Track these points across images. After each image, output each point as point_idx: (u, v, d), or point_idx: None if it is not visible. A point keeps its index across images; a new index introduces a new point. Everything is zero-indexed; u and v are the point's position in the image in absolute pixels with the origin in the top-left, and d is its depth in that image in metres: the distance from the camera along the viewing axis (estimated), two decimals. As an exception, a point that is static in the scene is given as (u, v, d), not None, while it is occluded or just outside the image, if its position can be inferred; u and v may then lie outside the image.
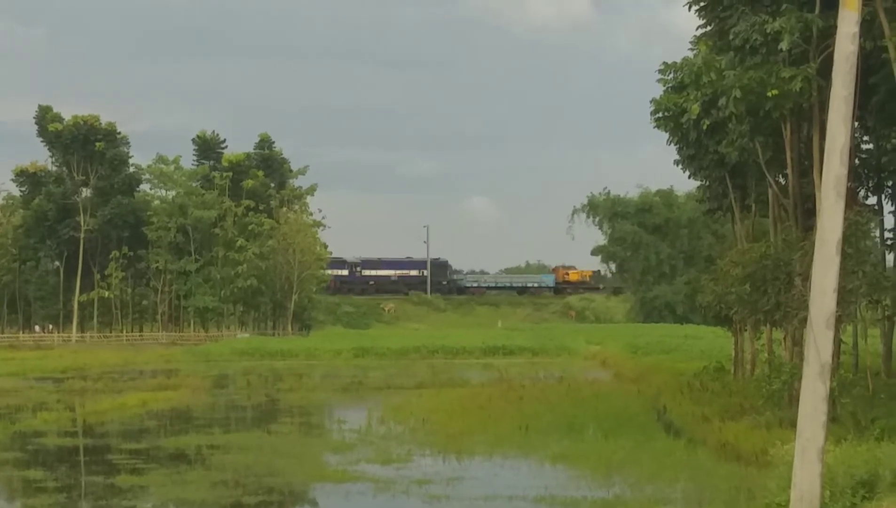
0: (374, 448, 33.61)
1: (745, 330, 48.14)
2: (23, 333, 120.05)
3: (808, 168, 35.29)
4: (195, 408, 48.98)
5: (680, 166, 47.87)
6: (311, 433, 40.04)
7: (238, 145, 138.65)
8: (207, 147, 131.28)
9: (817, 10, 29.81)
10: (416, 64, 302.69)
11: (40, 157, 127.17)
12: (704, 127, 38.05)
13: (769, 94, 30.31)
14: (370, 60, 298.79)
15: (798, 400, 14.91)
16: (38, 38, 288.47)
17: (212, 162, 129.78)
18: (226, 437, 37.57)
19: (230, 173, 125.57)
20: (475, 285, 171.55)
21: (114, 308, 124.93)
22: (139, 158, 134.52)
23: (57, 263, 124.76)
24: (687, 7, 34.58)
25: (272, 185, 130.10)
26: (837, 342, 31.10)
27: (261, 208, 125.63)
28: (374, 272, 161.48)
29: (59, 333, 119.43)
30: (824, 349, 14.26)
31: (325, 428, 42.54)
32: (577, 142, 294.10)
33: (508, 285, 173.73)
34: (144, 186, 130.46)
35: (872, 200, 41.13)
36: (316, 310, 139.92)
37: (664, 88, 42.54)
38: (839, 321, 27.64)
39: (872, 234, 38.93)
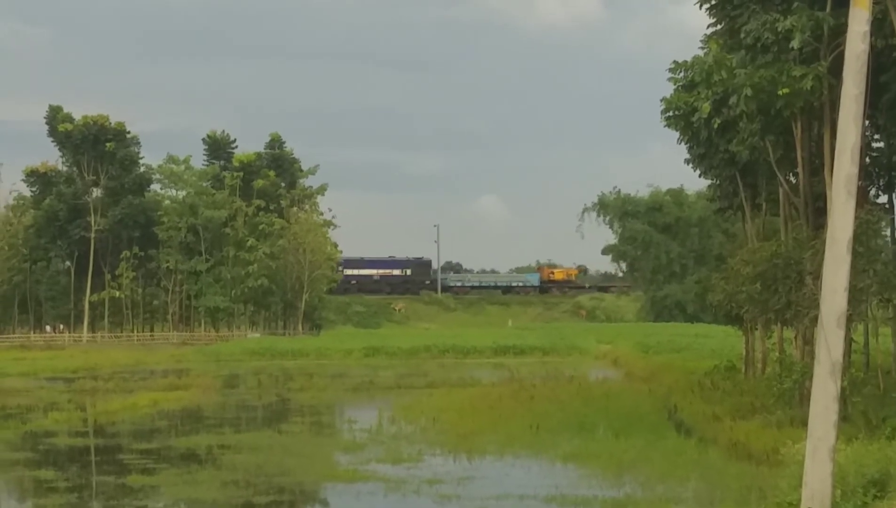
0: (384, 447, 33.60)
1: (756, 329, 48.06)
2: (34, 333, 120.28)
3: (818, 167, 35.21)
4: (206, 408, 49.03)
5: (690, 165, 47.81)
6: (321, 433, 40.06)
7: (247, 145, 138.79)
8: (217, 147, 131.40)
9: (828, 9, 29.77)
10: (423, 64, 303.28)
11: (51, 157, 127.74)
12: (715, 126, 37.95)
13: (780, 92, 30.26)
14: (377, 61, 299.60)
15: (809, 399, 14.88)
16: (45, 39, 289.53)
17: (222, 162, 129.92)
18: (237, 437, 37.60)
19: (241, 173, 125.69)
20: (458, 284, 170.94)
21: (124, 308, 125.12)
22: (149, 158, 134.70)
23: (68, 263, 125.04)
24: (698, 5, 34.53)
25: (283, 184, 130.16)
26: (848, 340, 31.04)
27: (271, 207, 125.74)
28: (355, 272, 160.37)
29: (69, 333, 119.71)
30: (835, 347, 14.23)
31: (335, 428, 42.56)
32: (584, 141, 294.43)
33: (493, 284, 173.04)
34: (155, 186, 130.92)
35: (883, 198, 41.00)
36: (326, 310, 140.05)
37: (675, 87, 42.45)
38: (850, 319, 27.59)
39: (883, 232, 38.77)
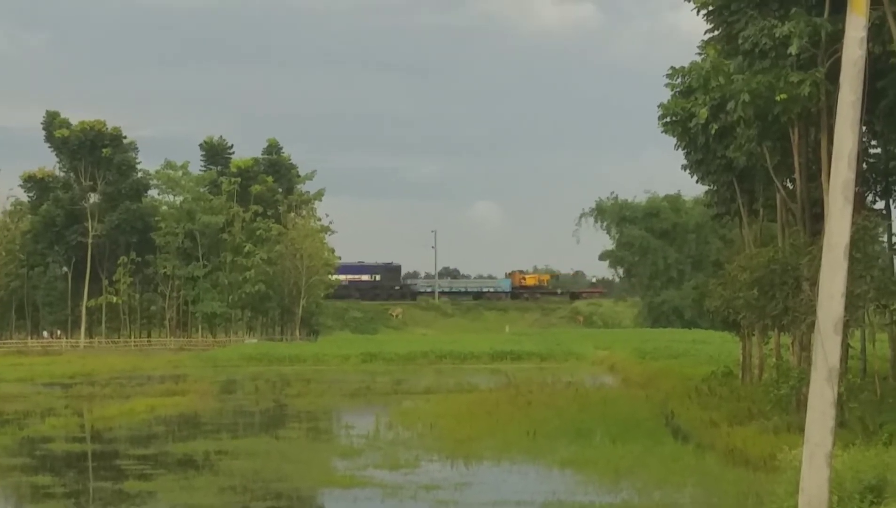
0: (382, 453, 33.59)
1: (753, 335, 48.02)
2: (31, 338, 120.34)
3: (815, 173, 35.23)
4: (203, 414, 49.00)
5: (688, 171, 47.79)
6: (319, 439, 40.03)
7: (244, 151, 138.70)
8: (215, 152, 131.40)
9: (826, 15, 29.79)
10: (420, 69, 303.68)
11: (48, 162, 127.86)
12: (712, 131, 37.95)
13: (777, 98, 30.29)
14: (374, 66, 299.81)
15: (806, 405, 14.87)
16: (42, 44, 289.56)
17: (219, 167, 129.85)
18: (234, 442, 37.59)
19: (238, 179, 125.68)
20: (429, 289, 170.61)
21: (122, 314, 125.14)
22: (147, 163, 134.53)
23: (65, 268, 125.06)
24: (695, 11, 34.55)
25: (280, 190, 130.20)
26: (845, 346, 31.07)
27: (269, 213, 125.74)
28: None
29: (67, 338, 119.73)
30: (832, 353, 14.22)
31: (333, 434, 42.54)
32: (582, 146, 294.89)
33: (463, 290, 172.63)
34: (152, 192, 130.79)
35: (880, 204, 41.04)
36: (324, 315, 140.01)
37: (672, 93, 42.46)
38: (847, 325, 27.61)
39: (880, 238, 38.80)
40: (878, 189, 40.49)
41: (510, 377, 57.73)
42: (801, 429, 15.34)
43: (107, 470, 32.23)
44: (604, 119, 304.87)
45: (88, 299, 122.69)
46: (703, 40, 39.05)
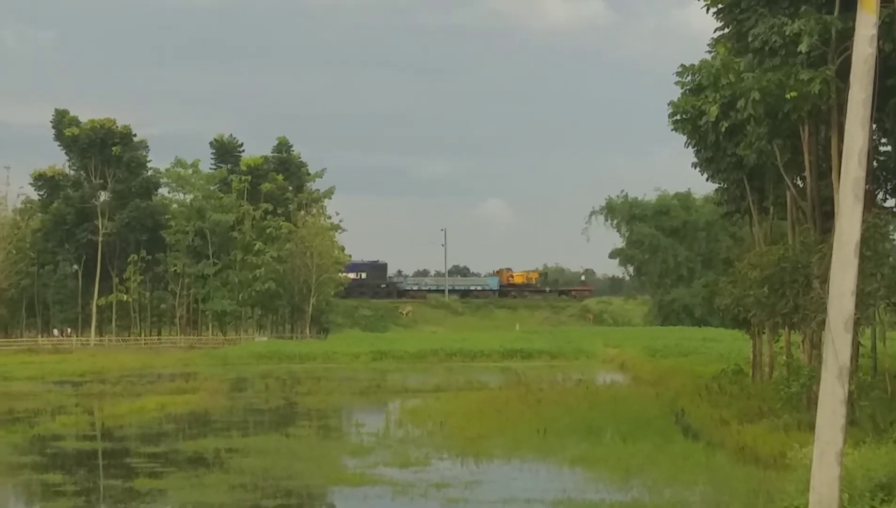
0: (392, 451, 33.62)
1: (764, 333, 47.97)
2: (41, 337, 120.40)
3: (826, 170, 35.18)
4: (213, 412, 49.08)
5: (698, 169, 47.72)
6: (329, 437, 40.05)
7: (254, 149, 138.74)
8: (225, 151, 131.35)
9: (836, 12, 29.75)
10: (429, 68, 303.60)
11: (58, 161, 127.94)
12: (723, 129, 37.94)
13: (788, 96, 30.26)
14: (384, 65, 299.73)
15: (816, 403, 14.87)
16: (51, 42, 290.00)
17: (229, 166, 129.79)
18: (244, 440, 37.66)
19: (248, 177, 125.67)
20: (415, 288, 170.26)
21: (132, 312, 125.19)
22: (157, 161, 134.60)
23: (75, 266, 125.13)
24: (705, 9, 34.53)
25: (290, 188, 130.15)
26: (856, 344, 31.03)
27: (279, 211, 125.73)
28: None
29: (77, 336, 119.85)
30: (843, 351, 14.21)
31: (343, 432, 42.56)
32: (591, 144, 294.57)
33: (451, 288, 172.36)
34: (162, 190, 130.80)
35: (891, 202, 40.94)
36: (334, 313, 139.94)
37: (682, 91, 42.40)
38: (857, 323, 27.57)
39: (891, 236, 38.71)
40: (888, 187, 40.39)
41: (520, 375, 57.82)
42: (812, 427, 15.34)
43: (117, 468, 32.27)
44: (613, 117, 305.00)
45: (99, 297, 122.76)
46: (713, 38, 39.02)
